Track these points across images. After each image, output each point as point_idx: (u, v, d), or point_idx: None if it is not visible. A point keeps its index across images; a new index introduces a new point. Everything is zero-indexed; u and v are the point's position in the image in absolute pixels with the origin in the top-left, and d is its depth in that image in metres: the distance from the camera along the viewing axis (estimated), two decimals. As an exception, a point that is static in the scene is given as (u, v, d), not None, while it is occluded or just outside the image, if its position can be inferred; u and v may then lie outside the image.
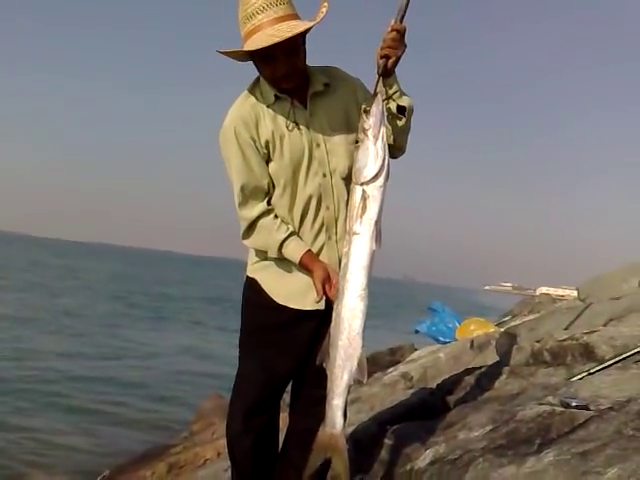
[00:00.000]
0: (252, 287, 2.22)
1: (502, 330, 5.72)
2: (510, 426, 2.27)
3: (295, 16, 1.94)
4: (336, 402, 1.86)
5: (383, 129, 1.85)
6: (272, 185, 2.09)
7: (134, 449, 5.66)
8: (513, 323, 7.11)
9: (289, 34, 1.85)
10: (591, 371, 2.87)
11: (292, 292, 2.14)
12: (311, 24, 1.91)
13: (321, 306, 2.06)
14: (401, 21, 1.93)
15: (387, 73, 1.96)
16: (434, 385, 3.92)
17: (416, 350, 7.38)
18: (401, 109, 2.04)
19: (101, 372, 9.41)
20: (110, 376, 9.15)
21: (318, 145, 2.06)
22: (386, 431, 2.79)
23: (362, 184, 1.84)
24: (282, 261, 2.12)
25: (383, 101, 1.93)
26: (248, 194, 2.07)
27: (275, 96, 2.04)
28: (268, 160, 2.07)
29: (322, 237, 2.10)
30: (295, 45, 1.94)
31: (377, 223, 1.84)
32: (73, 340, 12.24)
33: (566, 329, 4.41)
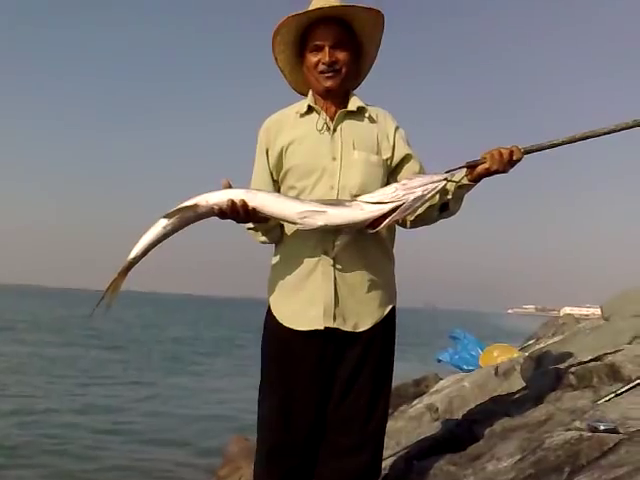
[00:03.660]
0: (267, 313, 2.10)
1: (526, 355, 5.64)
2: (538, 454, 2.23)
3: None
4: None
5: (416, 194, 1.79)
6: None
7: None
8: (537, 346, 7.00)
9: (333, 3, 1.97)
10: (618, 392, 2.81)
11: (295, 310, 2.00)
12: (356, 5, 1.99)
13: (319, 325, 1.93)
14: (525, 153, 1.85)
15: (471, 172, 1.87)
16: (460, 415, 3.86)
17: (441, 380, 7.28)
18: (444, 207, 1.98)
19: (113, 422, 9.04)
20: (126, 426, 8.89)
21: (334, 159, 2.00)
22: (413, 466, 2.75)
23: (354, 196, 1.90)
24: (289, 275, 2.02)
25: (444, 184, 1.83)
26: None
27: (308, 107, 2.07)
28: (280, 169, 2.05)
29: (318, 251, 1.96)
30: (341, 39, 2.00)
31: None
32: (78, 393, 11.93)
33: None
